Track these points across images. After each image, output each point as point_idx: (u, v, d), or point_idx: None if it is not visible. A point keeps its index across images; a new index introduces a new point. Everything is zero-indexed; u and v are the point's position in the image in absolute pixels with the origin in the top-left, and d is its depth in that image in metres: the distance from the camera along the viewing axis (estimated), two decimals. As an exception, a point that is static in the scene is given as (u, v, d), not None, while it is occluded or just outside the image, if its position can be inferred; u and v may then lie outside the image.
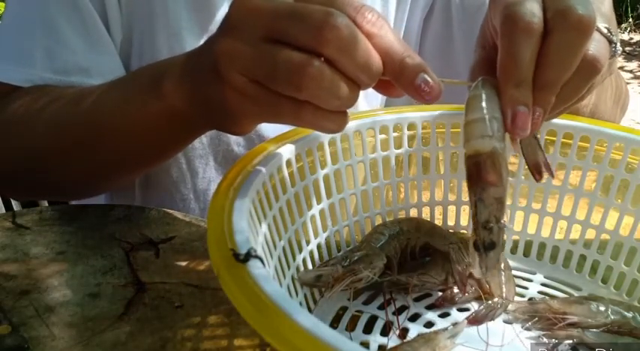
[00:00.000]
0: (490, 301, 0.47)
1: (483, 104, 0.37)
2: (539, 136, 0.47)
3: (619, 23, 5.71)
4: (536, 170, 0.45)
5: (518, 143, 0.42)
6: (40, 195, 0.80)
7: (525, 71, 0.39)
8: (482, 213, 0.36)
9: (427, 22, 0.78)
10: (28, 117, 0.58)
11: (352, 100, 0.39)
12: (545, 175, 0.46)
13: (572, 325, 0.45)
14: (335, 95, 0.38)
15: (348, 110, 0.41)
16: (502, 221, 0.36)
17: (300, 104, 0.38)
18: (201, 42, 0.68)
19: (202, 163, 0.71)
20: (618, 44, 0.42)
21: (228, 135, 0.71)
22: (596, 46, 0.40)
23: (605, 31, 0.42)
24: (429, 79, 0.38)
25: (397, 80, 0.39)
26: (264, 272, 0.32)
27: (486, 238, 0.36)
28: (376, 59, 0.38)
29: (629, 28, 5.65)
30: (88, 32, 0.63)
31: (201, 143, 0.70)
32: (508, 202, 0.55)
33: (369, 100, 0.79)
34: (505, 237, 0.56)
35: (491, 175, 0.36)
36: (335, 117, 0.40)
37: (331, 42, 0.36)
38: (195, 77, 0.45)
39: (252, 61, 0.38)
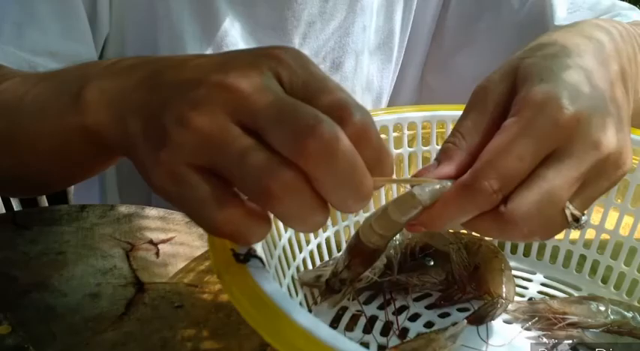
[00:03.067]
0: (490, 301, 0.47)
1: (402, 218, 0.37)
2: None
3: (619, 23, 5.69)
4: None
5: None
6: None
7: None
8: (343, 273, 0.42)
9: (443, 16, 0.77)
10: None
11: (319, 226, 0.32)
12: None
13: (572, 325, 0.45)
14: (305, 216, 0.31)
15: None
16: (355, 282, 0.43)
17: (227, 204, 0.31)
18: (204, 48, 0.68)
19: None
20: (584, 221, 0.37)
21: None
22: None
23: (569, 215, 0.36)
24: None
25: None
26: (264, 272, 0.32)
27: (336, 286, 0.42)
28: (368, 183, 0.31)
29: (629, 28, 5.65)
30: (66, 16, 0.60)
31: None
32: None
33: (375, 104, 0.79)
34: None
35: (365, 264, 0.42)
36: (264, 226, 0.33)
37: (311, 155, 0.29)
38: (128, 113, 0.35)
39: (213, 143, 0.30)
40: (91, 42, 0.63)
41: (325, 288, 0.43)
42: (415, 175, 0.38)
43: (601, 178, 0.36)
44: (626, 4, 0.74)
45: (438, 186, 0.36)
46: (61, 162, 0.47)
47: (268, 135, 0.30)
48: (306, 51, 0.71)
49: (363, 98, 0.77)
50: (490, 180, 0.34)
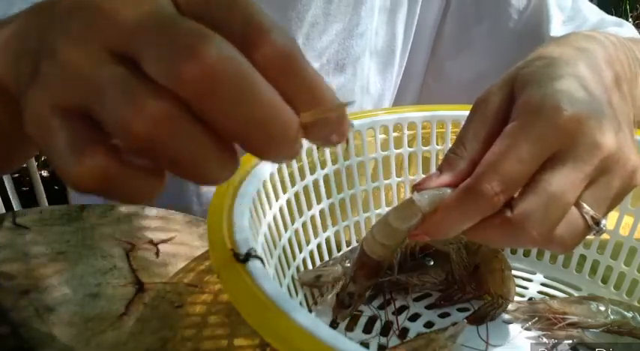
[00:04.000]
0: (490, 301, 0.47)
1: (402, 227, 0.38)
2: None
3: (619, 23, 5.69)
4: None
5: None
6: None
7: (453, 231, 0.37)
8: (350, 287, 0.42)
9: (442, 21, 0.77)
10: None
11: (222, 175, 0.26)
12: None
13: (572, 325, 0.45)
14: (196, 162, 0.25)
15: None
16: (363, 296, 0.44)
17: (86, 152, 0.25)
18: None
19: None
20: (604, 225, 0.37)
21: None
22: (567, 229, 0.36)
23: (589, 219, 0.36)
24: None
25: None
26: (264, 272, 0.32)
27: (346, 301, 0.43)
28: (280, 115, 0.25)
29: (629, 28, 5.65)
30: None
31: None
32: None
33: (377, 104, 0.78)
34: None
35: (370, 277, 0.42)
36: (149, 182, 0.26)
37: (191, 81, 0.23)
38: (21, 53, 0.30)
39: (79, 76, 0.25)
40: None
41: (335, 303, 0.44)
42: (418, 185, 0.37)
43: (608, 177, 0.36)
44: (614, 19, 0.75)
45: (437, 192, 0.36)
46: None
47: (145, 62, 0.24)
48: (309, 52, 0.71)
49: (364, 100, 0.77)
50: (491, 182, 0.34)
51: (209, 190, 0.73)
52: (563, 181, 0.35)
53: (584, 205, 0.36)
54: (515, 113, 0.37)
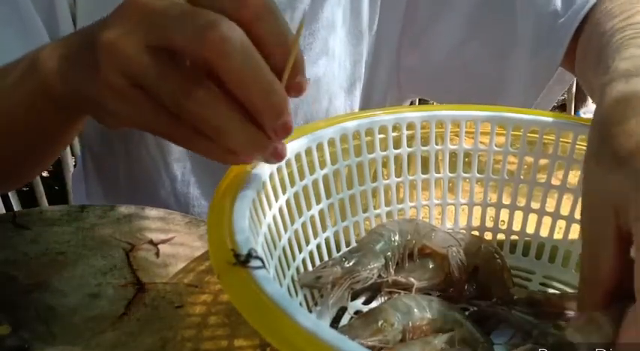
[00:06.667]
0: (490, 302, 0.48)
1: None
2: None
3: (618, 23, 5.69)
4: None
5: None
6: None
7: None
8: None
9: None
10: None
11: (248, 141, 0.36)
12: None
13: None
14: (221, 125, 0.35)
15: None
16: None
17: (182, 123, 0.36)
18: None
19: (180, 166, 0.72)
20: None
21: None
22: None
23: None
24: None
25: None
26: (265, 272, 0.32)
27: None
28: (278, 87, 0.35)
29: (627, 28, 5.65)
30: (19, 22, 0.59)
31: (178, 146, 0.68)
32: (508, 201, 0.55)
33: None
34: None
35: None
36: (179, 125, 0.36)
37: (212, 43, 0.33)
38: (74, 64, 0.42)
39: (135, 65, 0.35)
40: (45, 37, 0.60)
41: None
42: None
43: None
44: None
45: None
46: (28, 133, 0.50)
47: (175, 40, 0.34)
48: None
49: (334, 84, 0.76)
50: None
51: (186, 191, 0.73)
52: None
53: None
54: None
